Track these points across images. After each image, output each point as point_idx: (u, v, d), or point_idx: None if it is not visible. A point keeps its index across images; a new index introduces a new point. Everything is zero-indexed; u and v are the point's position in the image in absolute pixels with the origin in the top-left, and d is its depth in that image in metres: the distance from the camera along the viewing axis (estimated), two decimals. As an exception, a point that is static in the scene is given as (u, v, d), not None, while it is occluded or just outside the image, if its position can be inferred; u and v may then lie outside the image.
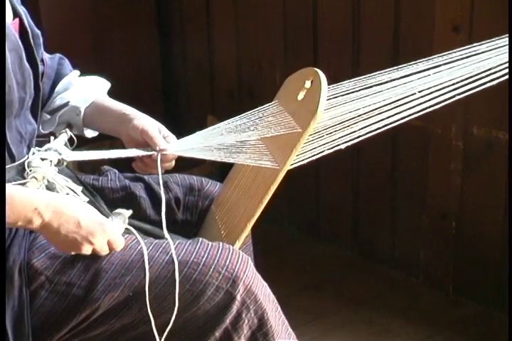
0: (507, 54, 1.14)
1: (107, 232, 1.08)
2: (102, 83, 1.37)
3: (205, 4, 2.53)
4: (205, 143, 1.21)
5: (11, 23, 1.11)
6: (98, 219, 1.08)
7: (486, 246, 1.90)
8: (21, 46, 1.10)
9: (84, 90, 1.33)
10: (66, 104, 1.31)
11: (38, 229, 1.05)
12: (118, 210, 1.16)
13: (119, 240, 1.10)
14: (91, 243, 1.07)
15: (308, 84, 1.17)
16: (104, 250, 1.09)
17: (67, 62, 1.38)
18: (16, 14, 1.15)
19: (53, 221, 1.04)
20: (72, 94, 1.33)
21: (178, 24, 2.68)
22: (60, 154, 1.18)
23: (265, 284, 1.14)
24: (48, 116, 1.33)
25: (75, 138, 1.26)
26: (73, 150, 1.23)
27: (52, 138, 1.22)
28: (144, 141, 1.24)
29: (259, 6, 2.32)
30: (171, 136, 1.27)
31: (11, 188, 1.04)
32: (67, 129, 1.26)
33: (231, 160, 1.18)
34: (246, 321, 1.11)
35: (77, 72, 1.39)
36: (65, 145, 1.22)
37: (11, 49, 1.06)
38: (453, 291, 2.00)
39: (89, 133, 1.37)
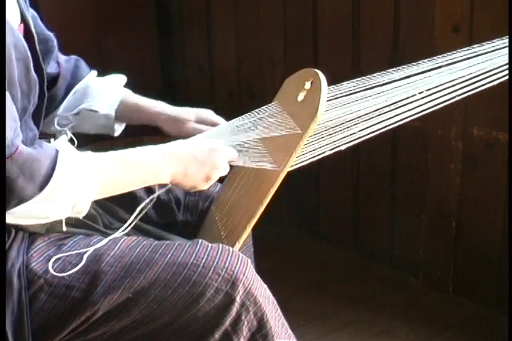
0: (507, 55, 1.14)
1: (223, 153, 1.15)
2: (120, 80, 1.43)
3: (205, 4, 2.53)
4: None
5: (17, 28, 1.07)
6: (208, 147, 1.14)
7: (486, 246, 1.90)
8: (29, 55, 1.07)
9: (107, 94, 1.38)
10: (95, 112, 1.36)
11: (168, 180, 1.11)
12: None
13: (232, 153, 1.17)
14: (217, 169, 1.14)
15: (308, 85, 1.17)
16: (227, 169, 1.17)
17: (83, 64, 1.40)
18: (22, 19, 1.13)
19: (177, 167, 1.10)
20: (97, 101, 1.36)
21: (178, 24, 2.68)
22: None
23: (265, 286, 1.13)
24: (66, 119, 1.35)
25: (75, 139, 1.26)
26: None
27: (52, 140, 1.21)
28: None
29: (259, 6, 2.32)
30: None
31: (121, 154, 1.07)
32: (67, 130, 1.25)
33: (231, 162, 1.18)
34: (245, 323, 1.10)
35: (94, 73, 1.41)
36: None
37: (18, 58, 1.03)
38: (453, 291, 2.00)
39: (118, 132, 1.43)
